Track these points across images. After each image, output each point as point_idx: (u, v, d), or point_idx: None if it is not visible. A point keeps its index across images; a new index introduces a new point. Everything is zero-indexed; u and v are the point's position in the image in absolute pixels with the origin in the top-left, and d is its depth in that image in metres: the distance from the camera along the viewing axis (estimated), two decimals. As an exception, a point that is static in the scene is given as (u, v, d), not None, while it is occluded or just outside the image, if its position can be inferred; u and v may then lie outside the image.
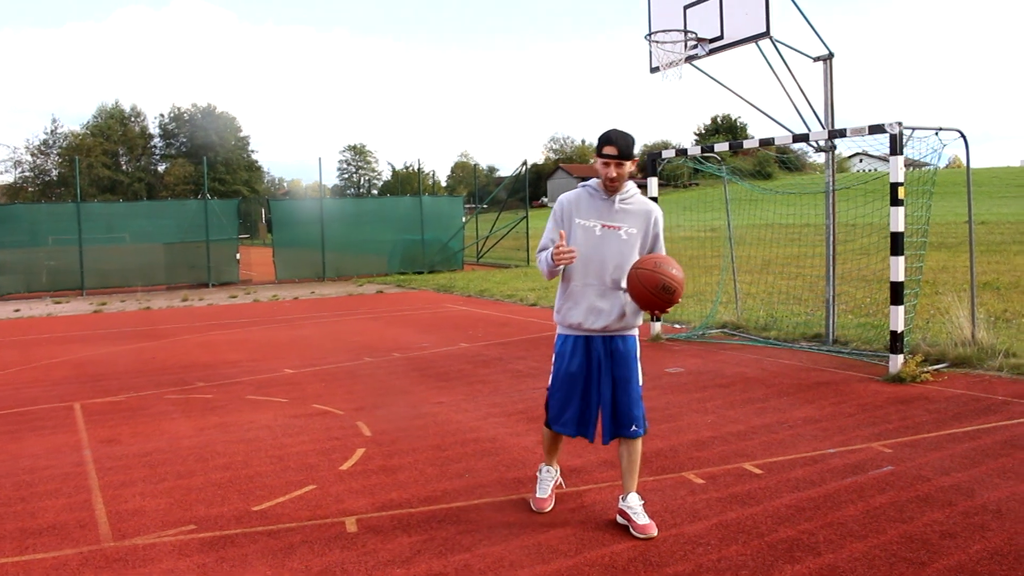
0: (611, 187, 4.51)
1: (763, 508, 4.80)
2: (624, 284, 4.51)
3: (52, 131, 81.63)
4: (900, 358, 8.23)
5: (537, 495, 4.91)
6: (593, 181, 4.64)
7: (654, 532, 4.42)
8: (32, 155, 79.90)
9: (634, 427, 4.57)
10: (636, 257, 4.55)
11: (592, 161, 4.57)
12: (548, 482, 4.93)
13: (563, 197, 4.69)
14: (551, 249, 4.48)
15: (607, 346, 4.61)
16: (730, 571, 3.97)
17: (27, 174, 79.67)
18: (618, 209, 4.55)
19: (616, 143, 4.42)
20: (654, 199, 11.33)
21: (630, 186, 4.62)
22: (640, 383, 4.66)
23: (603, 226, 4.53)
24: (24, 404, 8.33)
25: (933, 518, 4.56)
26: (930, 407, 7.03)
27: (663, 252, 4.66)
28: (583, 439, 4.74)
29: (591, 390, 4.62)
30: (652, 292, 4.30)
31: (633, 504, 4.55)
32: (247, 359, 10.75)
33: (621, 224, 4.54)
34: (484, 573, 4.05)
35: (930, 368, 8.32)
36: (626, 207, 4.57)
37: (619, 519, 4.61)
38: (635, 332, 4.72)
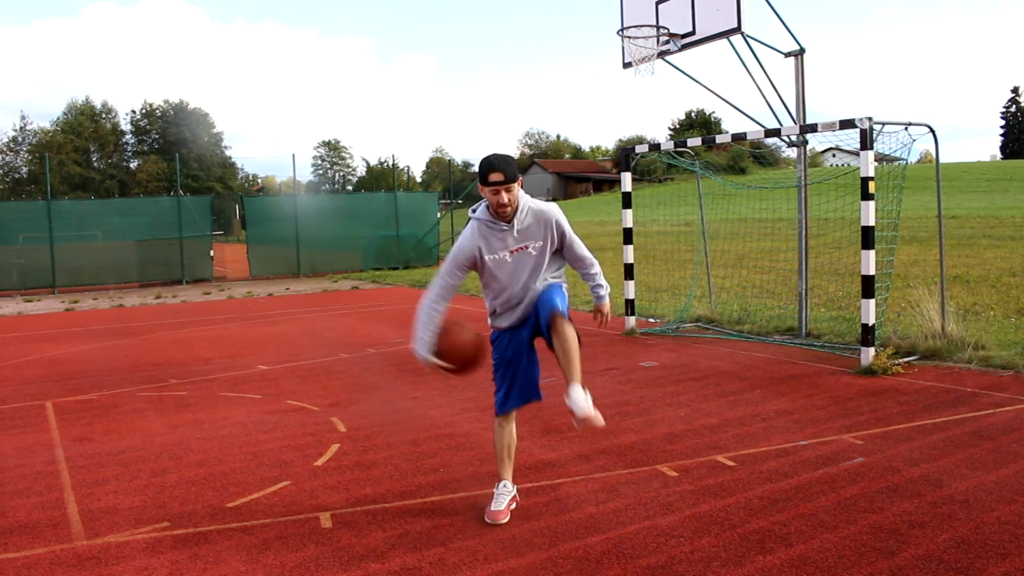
0: (503, 213, 4.42)
1: (736, 500, 4.85)
2: (541, 283, 4.60)
3: (21, 128, 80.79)
4: (871, 351, 8.32)
5: (492, 508, 4.70)
6: (482, 212, 4.53)
7: (600, 421, 4.19)
8: (1, 152, 78.96)
9: (552, 308, 4.37)
10: (548, 261, 4.60)
11: (479, 188, 4.46)
12: (505, 497, 4.75)
13: (462, 240, 4.59)
14: (430, 323, 4.63)
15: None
16: (703, 562, 4.01)
17: (-4, 171, 78.74)
18: (518, 233, 4.50)
19: (500, 168, 4.32)
20: (627, 194, 11.38)
21: (521, 203, 4.49)
22: (565, 297, 4.57)
23: (511, 252, 4.53)
24: (-6, 403, 8.25)
25: (902, 508, 4.62)
26: (901, 399, 7.12)
27: (577, 249, 4.72)
28: (535, 403, 4.89)
29: (525, 357, 4.74)
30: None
31: (574, 395, 4.19)
32: (221, 356, 10.69)
33: (527, 243, 4.53)
34: (459, 567, 4.06)
35: (901, 361, 8.42)
36: (525, 226, 4.51)
37: (574, 422, 4.27)
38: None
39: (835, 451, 5.71)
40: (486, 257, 4.55)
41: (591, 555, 4.15)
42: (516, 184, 4.39)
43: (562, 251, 4.70)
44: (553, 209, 4.61)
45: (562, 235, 4.62)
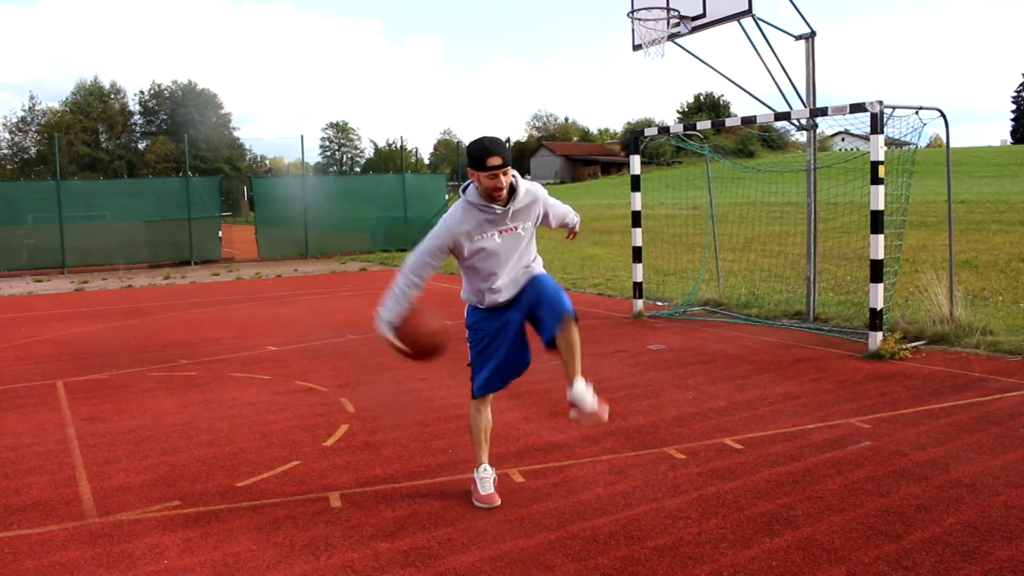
0: (498, 197, 4.32)
1: (743, 482, 4.87)
2: (526, 263, 4.57)
3: (30, 108, 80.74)
4: (879, 335, 8.32)
5: (481, 492, 4.66)
6: (472, 193, 4.39)
7: (604, 416, 4.26)
8: (10, 132, 79.09)
9: (564, 310, 4.30)
10: (532, 237, 4.61)
11: (471, 173, 4.37)
12: (489, 480, 4.71)
13: (450, 222, 4.43)
14: (401, 302, 4.53)
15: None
16: (710, 544, 4.04)
17: (5, 152, 78.87)
18: (512, 215, 4.42)
19: (499, 152, 4.23)
20: (636, 177, 11.36)
21: (520, 185, 4.41)
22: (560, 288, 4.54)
23: (500, 232, 4.42)
24: (6, 382, 8.31)
25: (909, 492, 4.63)
26: (908, 384, 7.12)
27: (559, 208, 4.80)
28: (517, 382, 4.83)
29: (512, 340, 4.60)
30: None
31: (579, 390, 4.28)
32: (230, 336, 10.74)
33: (517, 224, 4.46)
34: (467, 547, 4.10)
35: (909, 345, 8.42)
36: (520, 208, 4.44)
37: (571, 413, 4.37)
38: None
39: (842, 435, 5.72)
40: (475, 240, 4.42)
41: (599, 536, 4.18)
42: (510, 168, 4.33)
43: (546, 219, 4.72)
44: (539, 187, 4.62)
45: (545, 207, 4.65)
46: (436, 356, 4.69)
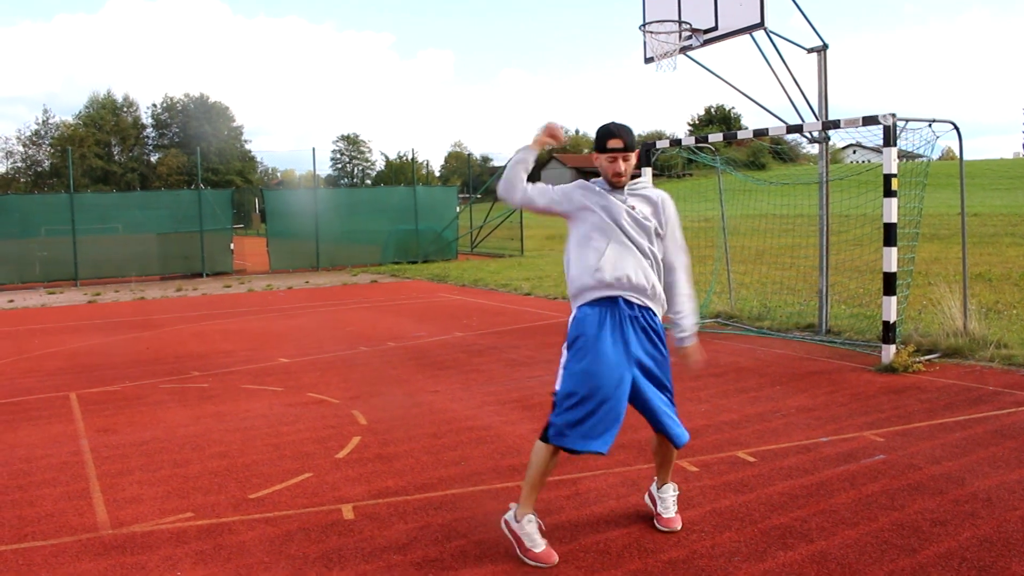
0: (619, 183, 4.14)
1: (756, 495, 4.85)
2: (653, 284, 4.18)
3: (44, 121, 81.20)
4: (892, 348, 8.28)
5: (535, 551, 4.04)
6: (596, 181, 4.27)
7: (678, 526, 4.35)
8: (24, 146, 79.56)
9: (680, 443, 4.27)
10: (655, 241, 4.19)
11: (593, 157, 4.21)
12: (535, 533, 4.11)
13: (573, 184, 4.28)
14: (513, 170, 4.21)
15: (645, 329, 4.24)
16: (724, 557, 4.02)
17: (19, 165, 79.33)
18: (628, 197, 4.18)
19: (621, 135, 4.08)
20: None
21: (642, 177, 4.35)
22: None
23: (628, 213, 4.15)
24: (19, 394, 8.35)
25: (924, 506, 4.60)
26: (922, 397, 7.09)
27: (678, 240, 4.32)
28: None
29: (619, 383, 4.08)
30: None
31: (667, 495, 4.44)
32: (242, 348, 10.76)
33: (635, 205, 4.17)
34: (480, 560, 4.09)
35: (922, 358, 8.38)
36: (636, 193, 4.21)
37: (646, 499, 4.53)
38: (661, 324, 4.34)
39: (856, 448, 5.69)
40: (590, 201, 4.16)
41: (612, 548, 4.17)
42: (634, 155, 4.13)
43: (662, 238, 4.25)
44: (665, 194, 4.32)
45: (666, 223, 4.25)
46: None
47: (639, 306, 4.15)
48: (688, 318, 4.35)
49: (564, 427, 3.99)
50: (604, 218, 4.13)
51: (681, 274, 4.33)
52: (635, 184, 4.24)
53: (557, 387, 4.10)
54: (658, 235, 4.21)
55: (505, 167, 4.34)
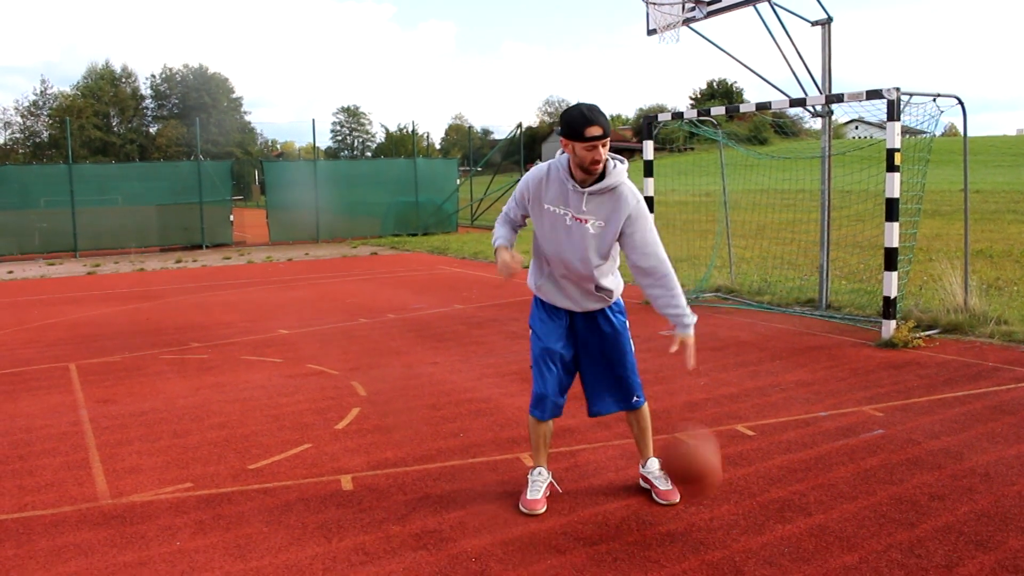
0: (594, 171, 3.98)
1: (755, 469, 4.86)
2: (597, 277, 4.20)
3: (42, 92, 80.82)
4: (893, 324, 8.27)
5: (528, 496, 4.37)
6: (561, 163, 4.11)
7: (676, 498, 4.35)
8: (22, 116, 79.26)
9: (636, 398, 4.42)
10: (606, 248, 4.14)
11: (562, 142, 4.02)
12: (541, 484, 4.42)
13: (530, 176, 4.19)
14: (502, 238, 4.27)
15: (590, 324, 4.39)
16: (722, 530, 4.03)
17: (17, 136, 79.07)
18: (588, 200, 4.05)
19: (599, 122, 3.86)
20: (649, 163, 11.31)
21: (613, 174, 4.06)
22: (632, 351, 4.46)
23: (573, 217, 4.08)
24: (19, 365, 8.35)
25: (922, 480, 4.61)
26: (921, 372, 7.09)
27: (648, 241, 4.16)
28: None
29: (559, 363, 4.37)
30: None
31: (654, 469, 4.47)
32: (242, 320, 10.76)
33: (589, 217, 4.06)
34: (479, 531, 4.10)
35: (922, 334, 8.37)
36: (599, 197, 4.06)
37: (641, 484, 4.53)
38: (618, 299, 4.41)
39: (855, 423, 5.70)
40: (545, 205, 4.13)
41: (610, 521, 4.17)
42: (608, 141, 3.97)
43: (629, 239, 4.13)
44: (633, 192, 4.11)
45: (631, 224, 4.10)
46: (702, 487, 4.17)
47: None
48: (684, 315, 4.24)
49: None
50: (542, 219, 4.22)
51: (663, 282, 4.21)
52: (599, 185, 4.04)
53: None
54: (616, 238, 4.15)
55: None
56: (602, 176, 4.06)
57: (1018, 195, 30.56)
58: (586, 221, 4.08)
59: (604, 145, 3.94)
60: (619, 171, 4.08)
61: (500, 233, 4.34)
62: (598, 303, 4.35)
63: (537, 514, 4.28)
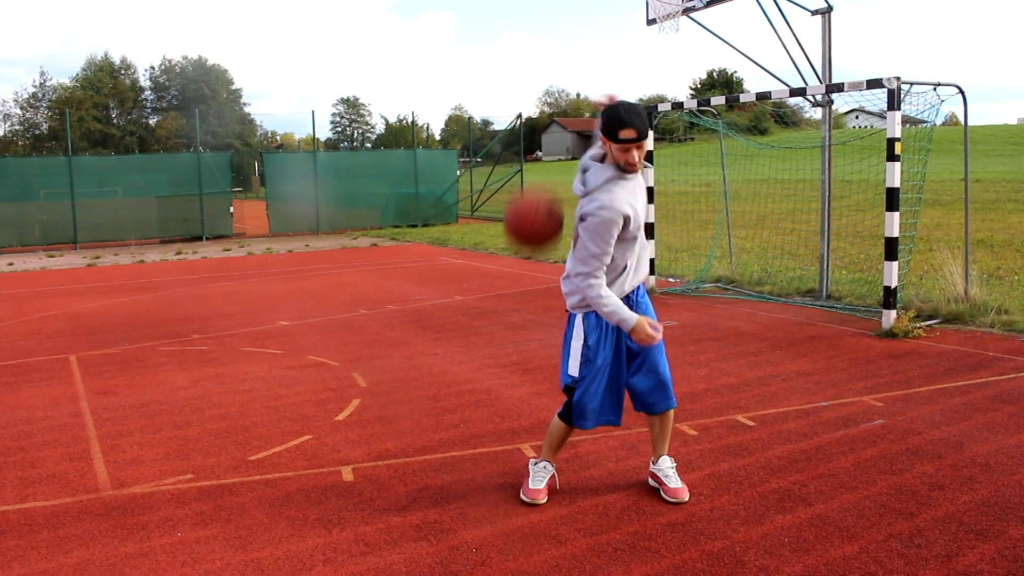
0: (632, 172, 3.99)
1: (755, 459, 4.86)
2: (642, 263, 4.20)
3: (41, 84, 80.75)
4: (893, 313, 8.27)
5: (530, 485, 4.37)
6: (597, 157, 4.08)
7: (686, 496, 4.29)
8: (21, 108, 79.16)
9: (671, 405, 4.34)
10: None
11: (602, 140, 4.00)
12: (544, 475, 4.42)
13: (612, 195, 3.94)
14: (625, 307, 4.00)
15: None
16: (722, 520, 4.03)
17: (17, 127, 78.99)
18: (636, 185, 4.10)
19: (635, 125, 3.84)
20: (649, 153, 11.29)
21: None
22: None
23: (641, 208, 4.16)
24: (20, 356, 8.35)
25: (923, 470, 4.61)
26: (922, 362, 7.09)
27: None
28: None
29: (618, 361, 4.25)
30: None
31: (665, 467, 4.41)
32: (242, 311, 10.76)
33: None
34: (480, 521, 4.10)
35: (923, 324, 8.37)
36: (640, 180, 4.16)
37: (650, 481, 4.47)
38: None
39: (855, 412, 5.70)
40: (636, 209, 4.02)
41: (611, 511, 4.18)
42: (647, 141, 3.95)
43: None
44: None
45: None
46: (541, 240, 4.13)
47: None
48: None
49: None
50: (631, 230, 4.07)
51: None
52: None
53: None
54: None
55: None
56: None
57: (1019, 184, 30.53)
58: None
59: (639, 148, 3.91)
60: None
61: (614, 300, 4.01)
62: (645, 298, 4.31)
63: (538, 504, 4.29)
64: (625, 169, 3.97)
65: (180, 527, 4.13)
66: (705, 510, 4.16)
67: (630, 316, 3.96)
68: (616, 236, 3.96)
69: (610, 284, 4.07)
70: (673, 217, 14.61)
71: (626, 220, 3.95)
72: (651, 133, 11.39)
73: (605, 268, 4.00)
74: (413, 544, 3.88)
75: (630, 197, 4.01)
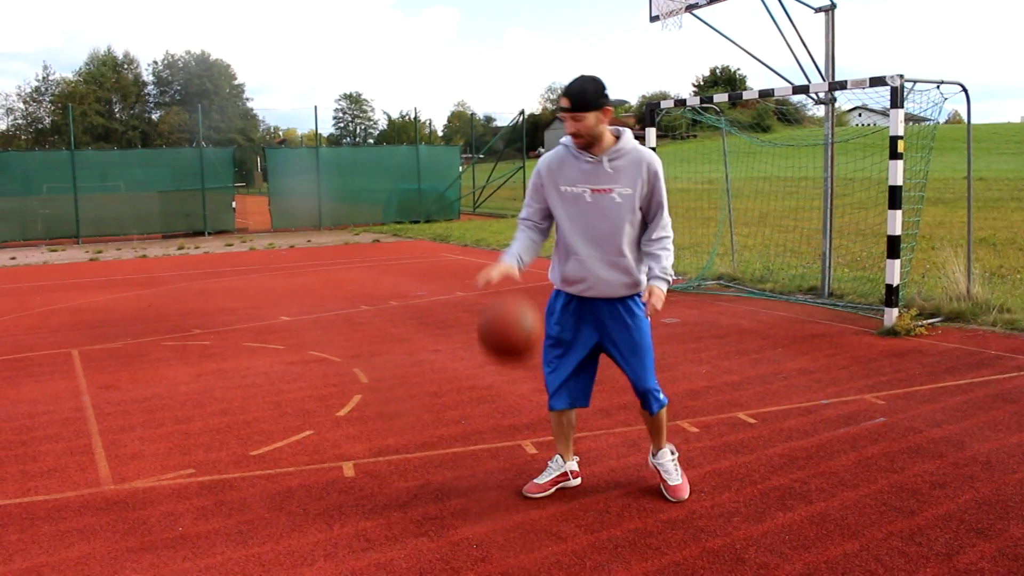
0: (578, 144, 3.95)
1: (756, 457, 4.86)
2: (626, 250, 4.05)
3: (44, 78, 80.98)
4: (895, 312, 8.26)
5: (535, 479, 4.41)
6: (568, 141, 4.06)
7: (686, 495, 4.26)
8: (24, 103, 79.27)
9: (654, 402, 4.21)
10: (634, 218, 4.04)
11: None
12: (553, 472, 4.40)
13: (543, 162, 4.09)
14: (509, 253, 4.09)
15: (612, 312, 4.16)
16: (723, 517, 4.03)
17: (20, 122, 79.10)
18: (608, 170, 3.97)
19: (569, 94, 3.83)
20: (652, 150, 11.27)
21: (623, 139, 4.03)
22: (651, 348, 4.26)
23: (592, 191, 3.99)
24: (22, 351, 8.36)
25: (924, 469, 4.61)
26: (923, 360, 7.08)
27: (663, 206, 4.09)
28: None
29: (578, 355, 4.23)
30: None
31: (664, 461, 4.35)
32: (244, 307, 10.76)
33: (612, 186, 3.98)
34: (480, 517, 4.10)
35: (924, 322, 8.36)
36: (617, 165, 3.98)
37: (659, 472, 4.38)
38: (641, 292, 4.18)
39: (857, 410, 5.70)
40: (561, 187, 4.03)
41: (612, 508, 4.18)
42: (591, 115, 3.84)
43: (649, 205, 4.07)
44: (652, 155, 4.03)
45: (653, 187, 4.04)
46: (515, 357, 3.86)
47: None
48: (659, 267, 4.11)
49: None
50: (562, 204, 4.11)
51: (661, 236, 4.17)
52: (614, 153, 3.99)
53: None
54: (640, 207, 4.07)
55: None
56: (616, 142, 4.01)
57: (1021, 183, 30.49)
58: (611, 190, 3.99)
59: (575, 119, 3.86)
60: (628, 135, 4.06)
61: (511, 248, 4.15)
62: (625, 289, 4.13)
63: (535, 498, 4.30)
64: (579, 145, 3.98)
65: (181, 522, 4.14)
66: (706, 507, 4.16)
67: (502, 258, 4.08)
68: (539, 196, 4.16)
69: (562, 265, 4.17)
70: (675, 214, 14.52)
71: (542, 181, 4.10)
72: (653, 130, 11.38)
73: (529, 221, 4.24)
74: (414, 540, 3.88)
75: (568, 171, 4.02)
